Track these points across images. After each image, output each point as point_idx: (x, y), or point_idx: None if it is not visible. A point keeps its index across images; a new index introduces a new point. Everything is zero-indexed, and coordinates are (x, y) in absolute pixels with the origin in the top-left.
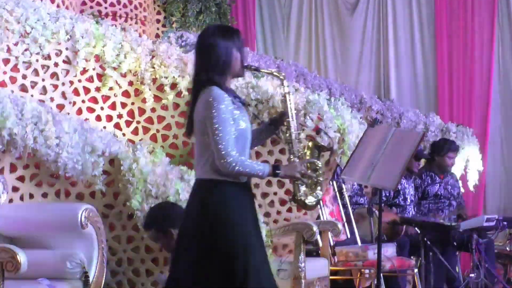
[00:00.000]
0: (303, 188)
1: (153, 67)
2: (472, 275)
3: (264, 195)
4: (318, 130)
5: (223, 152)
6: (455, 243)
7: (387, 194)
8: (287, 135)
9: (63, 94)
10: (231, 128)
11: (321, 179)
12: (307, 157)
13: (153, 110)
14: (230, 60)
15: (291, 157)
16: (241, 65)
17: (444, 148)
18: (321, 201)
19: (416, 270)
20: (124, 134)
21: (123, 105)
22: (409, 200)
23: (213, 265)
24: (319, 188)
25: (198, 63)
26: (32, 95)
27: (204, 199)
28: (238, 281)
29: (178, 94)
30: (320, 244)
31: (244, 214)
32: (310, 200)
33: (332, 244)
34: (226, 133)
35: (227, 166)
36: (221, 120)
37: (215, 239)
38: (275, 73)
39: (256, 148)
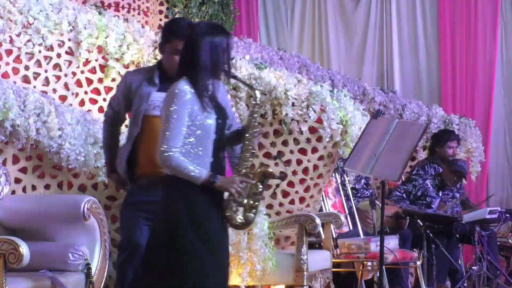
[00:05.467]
0: (236, 206)
1: (156, 58)
2: (474, 267)
3: (267, 186)
4: (276, 156)
5: (164, 143)
6: (457, 236)
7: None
8: (242, 149)
9: (66, 85)
10: (184, 123)
11: (258, 204)
12: (252, 179)
13: None
14: (215, 60)
15: (235, 172)
16: (223, 69)
17: (443, 138)
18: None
19: (418, 263)
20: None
21: None
22: (431, 210)
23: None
24: (253, 211)
25: (182, 56)
26: (34, 86)
27: (165, 197)
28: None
29: None
30: (323, 236)
31: (200, 215)
32: (239, 219)
33: (334, 236)
34: (176, 126)
35: (161, 158)
36: (177, 112)
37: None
38: (249, 84)
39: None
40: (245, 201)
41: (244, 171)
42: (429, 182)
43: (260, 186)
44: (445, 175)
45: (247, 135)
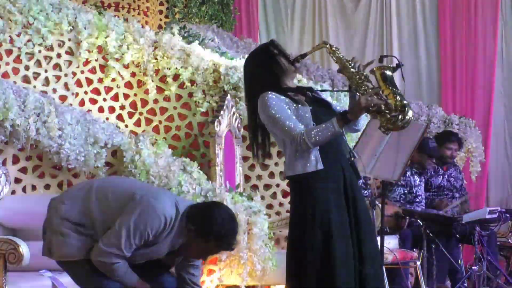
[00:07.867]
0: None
1: (156, 58)
2: (474, 267)
3: (267, 186)
4: (381, 58)
5: (291, 133)
6: (457, 236)
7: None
8: (352, 81)
9: (66, 85)
10: (288, 111)
11: (400, 99)
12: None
13: (155, 101)
14: (277, 71)
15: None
16: (289, 63)
17: (443, 139)
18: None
19: (418, 263)
20: (126, 126)
21: (126, 96)
22: (419, 198)
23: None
24: (405, 109)
25: (247, 89)
26: (34, 86)
27: (294, 198)
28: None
29: (181, 85)
30: None
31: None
32: (391, 123)
33: None
34: (285, 116)
35: (299, 143)
36: (275, 108)
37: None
38: (317, 47)
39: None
40: (390, 101)
41: (363, 92)
42: (408, 172)
43: (377, 88)
44: (417, 159)
45: (343, 69)
